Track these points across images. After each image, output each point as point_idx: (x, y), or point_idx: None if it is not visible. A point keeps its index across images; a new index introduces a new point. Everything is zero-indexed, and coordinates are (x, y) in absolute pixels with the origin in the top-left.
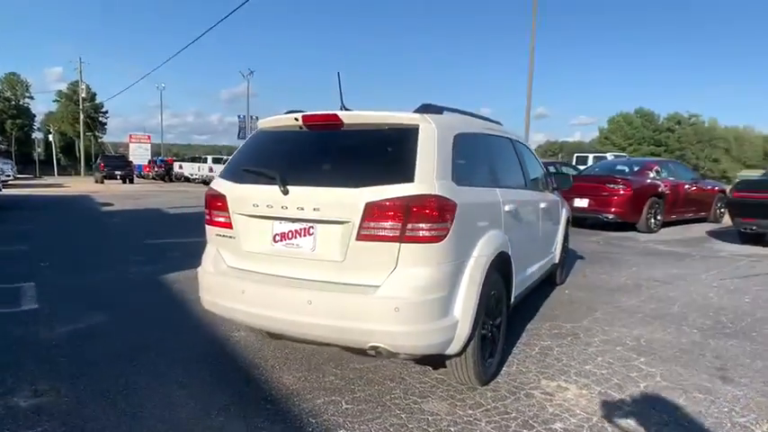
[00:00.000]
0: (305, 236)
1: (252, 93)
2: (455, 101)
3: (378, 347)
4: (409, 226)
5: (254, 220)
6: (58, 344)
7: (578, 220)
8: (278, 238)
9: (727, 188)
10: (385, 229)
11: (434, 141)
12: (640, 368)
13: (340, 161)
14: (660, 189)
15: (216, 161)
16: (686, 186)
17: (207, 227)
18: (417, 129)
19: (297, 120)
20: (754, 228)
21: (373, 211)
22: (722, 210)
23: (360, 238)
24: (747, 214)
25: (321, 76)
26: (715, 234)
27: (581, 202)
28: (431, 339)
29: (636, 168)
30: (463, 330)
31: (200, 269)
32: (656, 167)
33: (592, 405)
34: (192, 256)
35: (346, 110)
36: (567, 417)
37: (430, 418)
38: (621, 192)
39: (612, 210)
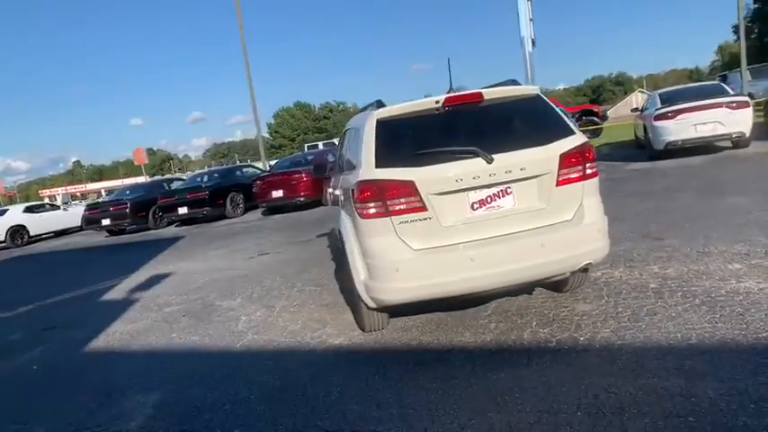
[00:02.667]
0: (503, 196)
1: None
2: None
3: (588, 264)
4: (588, 166)
5: (447, 197)
6: None
7: (277, 208)
8: (476, 206)
9: None
10: (575, 172)
11: (552, 104)
12: None
13: (504, 129)
14: None
15: None
16: None
17: (375, 220)
18: (539, 96)
19: (438, 102)
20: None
21: (567, 160)
22: None
23: (559, 183)
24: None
25: None
26: None
27: (277, 193)
28: (608, 247)
29: (310, 158)
30: None
31: (382, 262)
32: (329, 155)
33: None
34: None
35: (454, 91)
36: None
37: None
38: (305, 179)
39: (302, 194)
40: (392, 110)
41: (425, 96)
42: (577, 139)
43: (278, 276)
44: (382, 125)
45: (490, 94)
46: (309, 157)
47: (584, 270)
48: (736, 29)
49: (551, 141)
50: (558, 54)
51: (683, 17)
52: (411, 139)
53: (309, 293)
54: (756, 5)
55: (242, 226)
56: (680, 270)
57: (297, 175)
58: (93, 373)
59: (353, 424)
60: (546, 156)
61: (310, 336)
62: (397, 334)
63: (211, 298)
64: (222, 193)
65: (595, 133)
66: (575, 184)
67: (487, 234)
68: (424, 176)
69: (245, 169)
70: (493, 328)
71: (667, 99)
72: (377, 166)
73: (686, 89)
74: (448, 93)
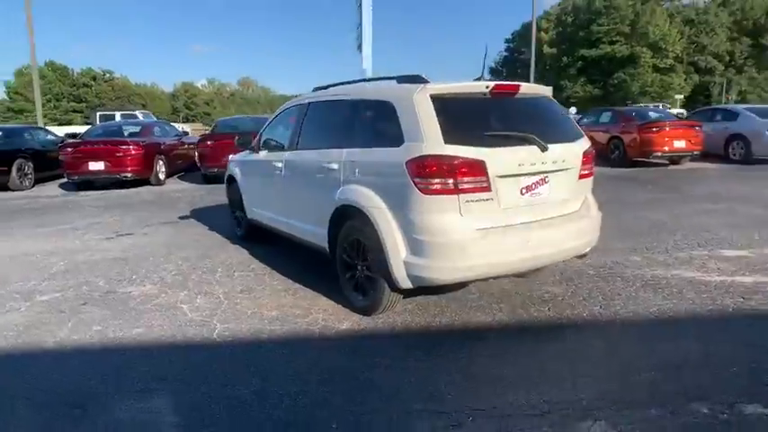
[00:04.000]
0: (542, 185)
1: None
2: None
3: (588, 251)
4: (592, 165)
5: (507, 179)
6: None
7: (86, 183)
8: (524, 191)
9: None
10: (587, 169)
11: None
12: None
13: (543, 122)
14: (162, 147)
15: None
16: (178, 143)
17: (440, 196)
18: (552, 98)
19: (488, 87)
20: (215, 170)
21: (586, 158)
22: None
23: (579, 177)
24: (209, 161)
25: None
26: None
27: (97, 165)
28: None
29: (139, 129)
30: None
31: (444, 239)
32: (155, 127)
33: None
34: None
35: (484, 80)
36: None
37: None
38: (134, 152)
39: (129, 169)
40: (442, 88)
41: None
42: (587, 140)
43: (178, 260)
44: (438, 101)
45: (524, 87)
46: (130, 128)
47: (583, 256)
48: (491, 70)
49: (575, 139)
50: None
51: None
52: (469, 120)
53: (246, 278)
54: (506, 54)
55: (45, 201)
56: (604, 261)
57: (125, 147)
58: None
59: (459, 400)
60: (576, 151)
61: (305, 322)
62: (406, 317)
63: (102, 284)
64: (6, 159)
65: None
66: (587, 179)
67: (532, 218)
68: (494, 157)
69: (35, 131)
70: (500, 308)
71: None
72: (455, 142)
73: None
74: (478, 80)
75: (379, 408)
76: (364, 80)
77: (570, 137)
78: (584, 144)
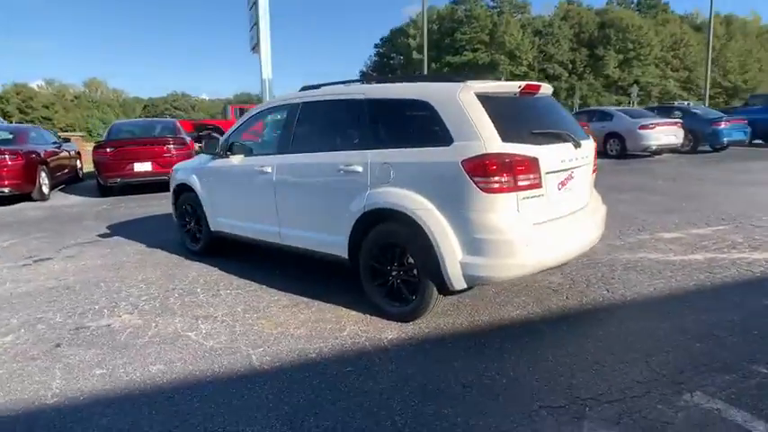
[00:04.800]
0: (572, 179)
1: None
2: None
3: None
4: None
5: (551, 175)
6: None
7: None
8: (560, 186)
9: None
10: (595, 164)
11: None
12: None
13: (563, 119)
14: (43, 155)
15: None
16: (59, 151)
17: (500, 194)
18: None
19: (519, 87)
20: (117, 181)
21: (595, 154)
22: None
23: (593, 172)
24: (110, 170)
25: None
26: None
27: None
28: None
29: (12, 136)
30: None
31: (506, 237)
32: (32, 133)
33: None
34: None
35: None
36: None
37: None
38: (10, 162)
39: (7, 183)
40: (483, 87)
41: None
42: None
43: (139, 283)
44: (484, 100)
45: (543, 88)
46: (11, 135)
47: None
48: (362, 74)
49: (587, 136)
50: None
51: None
52: (513, 118)
53: (238, 297)
54: (376, 58)
55: None
56: None
57: None
58: None
59: (565, 392)
60: (591, 147)
61: (346, 336)
62: (446, 319)
63: (60, 319)
64: None
65: None
66: (594, 174)
67: (567, 212)
68: (544, 154)
69: None
70: (524, 302)
71: None
72: (511, 140)
73: None
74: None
75: (503, 411)
76: (357, 80)
77: (583, 133)
78: (592, 141)
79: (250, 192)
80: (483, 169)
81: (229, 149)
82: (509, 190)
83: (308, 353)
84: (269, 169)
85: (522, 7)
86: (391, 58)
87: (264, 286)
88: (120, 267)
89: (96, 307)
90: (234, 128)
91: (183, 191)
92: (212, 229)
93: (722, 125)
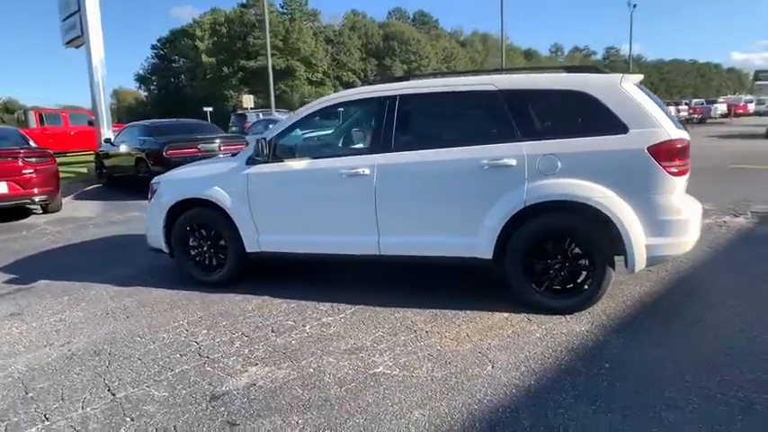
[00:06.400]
0: None
1: None
2: None
3: None
4: None
5: None
6: None
7: None
8: None
9: None
10: None
11: None
12: None
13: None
14: None
15: None
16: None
17: (681, 177)
18: None
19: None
20: None
21: None
22: None
23: None
24: None
25: None
26: None
27: None
28: None
29: None
30: None
31: (687, 216)
32: None
33: None
34: None
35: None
36: None
37: None
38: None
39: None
40: (631, 78)
41: None
42: None
43: (197, 334)
44: (641, 89)
45: None
46: None
47: None
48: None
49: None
50: None
51: None
52: (658, 105)
53: (346, 325)
54: (154, 60)
55: None
56: None
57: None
58: None
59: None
60: None
61: (535, 340)
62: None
63: (174, 383)
64: None
65: None
66: None
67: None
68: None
69: None
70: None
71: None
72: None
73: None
74: None
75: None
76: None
77: None
78: None
79: (331, 199)
80: (669, 154)
81: (291, 152)
82: (684, 173)
83: (533, 361)
84: (365, 171)
85: (313, 15)
86: (174, 61)
87: (371, 307)
88: (146, 312)
89: (170, 377)
90: (280, 128)
91: (188, 208)
92: (250, 250)
93: None
